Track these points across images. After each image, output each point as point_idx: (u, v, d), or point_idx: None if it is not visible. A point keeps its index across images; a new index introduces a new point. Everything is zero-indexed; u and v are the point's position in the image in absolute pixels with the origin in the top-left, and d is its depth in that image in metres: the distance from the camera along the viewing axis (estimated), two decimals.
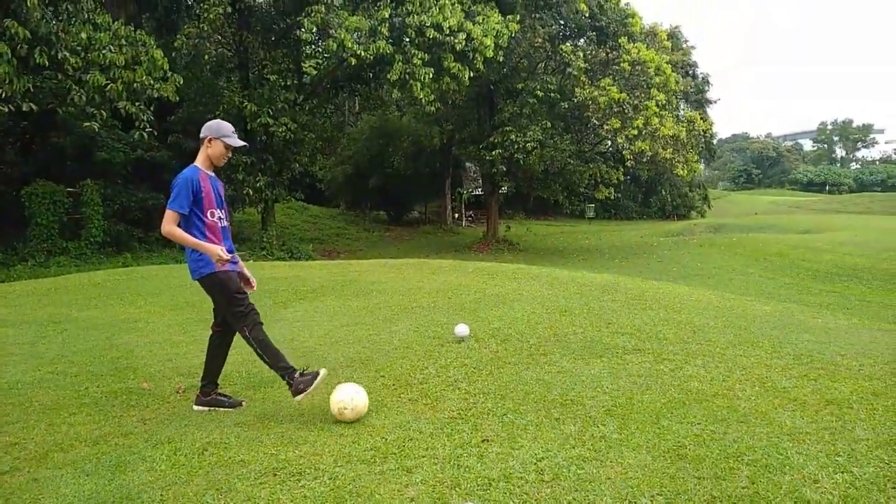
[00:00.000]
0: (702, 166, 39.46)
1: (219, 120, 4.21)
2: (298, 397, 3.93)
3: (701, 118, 29.07)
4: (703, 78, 49.16)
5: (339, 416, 3.71)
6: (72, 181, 19.09)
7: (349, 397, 3.73)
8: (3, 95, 12.37)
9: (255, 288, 4.26)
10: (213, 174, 4.15)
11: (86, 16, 13.50)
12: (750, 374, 4.37)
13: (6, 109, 12.98)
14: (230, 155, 4.18)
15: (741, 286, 15.91)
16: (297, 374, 3.95)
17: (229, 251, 4.04)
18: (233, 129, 4.14)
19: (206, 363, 4.21)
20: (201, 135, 4.08)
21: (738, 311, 6.52)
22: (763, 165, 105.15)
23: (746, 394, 3.99)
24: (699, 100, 48.30)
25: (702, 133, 28.64)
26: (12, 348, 5.87)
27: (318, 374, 3.95)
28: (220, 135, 4.05)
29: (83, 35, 13.17)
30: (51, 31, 12.67)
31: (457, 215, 42.17)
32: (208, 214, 4.00)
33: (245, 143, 4.20)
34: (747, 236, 26.70)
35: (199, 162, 4.09)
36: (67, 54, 12.95)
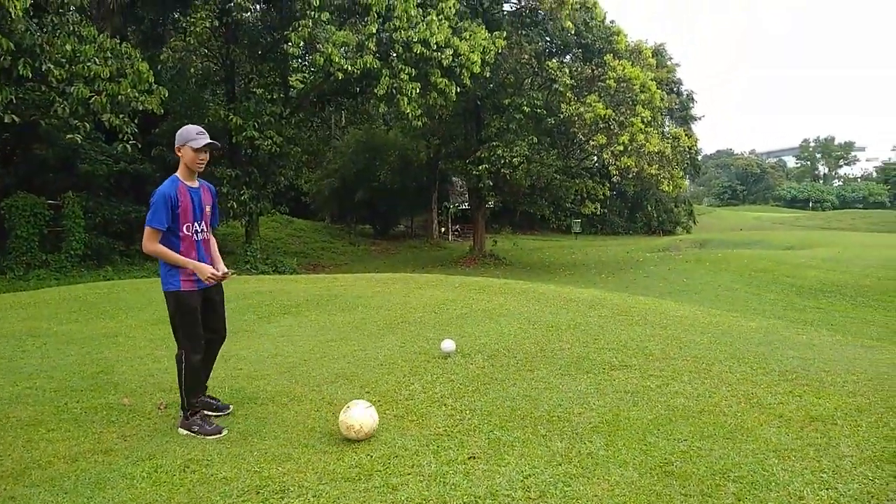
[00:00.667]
0: (687, 182, 39.87)
1: (185, 126, 4.07)
2: (181, 430, 3.90)
3: (686, 134, 29.39)
4: (687, 95, 49.81)
5: (347, 433, 3.64)
6: (53, 193, 18.90)
7: (358, 420, 3.63)
8: None
9: (224, 273, 4.10)
10: (196, 184, 4.07)
11: (71, 28, 13.46)
12: (736, 391, 4.37)
13: None
14: (204, 156, 4.03)
15: (727, 302, 16.01)
16: (197, 417, 3.92)
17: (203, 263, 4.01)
18: (199, 129, 4.00)
19: None
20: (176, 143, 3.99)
21: (724, 328, 6.55)
22: (747, 182, 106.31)
23: (733, 410, 4.00)
24: (684, 116, 48.88)
25: (687, 149, 28.92)
26: None
27: (218, 431, 3.86)
28: (185, 141, 3.95)
29: (68, 47, 13.12)
30: (35, 42, 12.61)
31: (443, 229, 42.20)
32: (184, 229, 3.93)
33: (214, 142, 4.04)
34: (733, 252, 26.93)
35: (179, 172, 4.02)
36: (52, 66, 12.89)
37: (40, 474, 3.32)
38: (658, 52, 38.25)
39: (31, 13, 12.67)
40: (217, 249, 4.30)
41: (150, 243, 3.85)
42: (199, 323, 4.01)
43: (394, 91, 19.74)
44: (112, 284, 11.86)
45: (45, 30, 13.14)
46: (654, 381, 4.63)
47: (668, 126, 37.84)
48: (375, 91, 19.86)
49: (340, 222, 40.75)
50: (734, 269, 21.70)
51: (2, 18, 11.81)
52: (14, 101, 13.08)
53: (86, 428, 4.00)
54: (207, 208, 4.13)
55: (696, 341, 5.89)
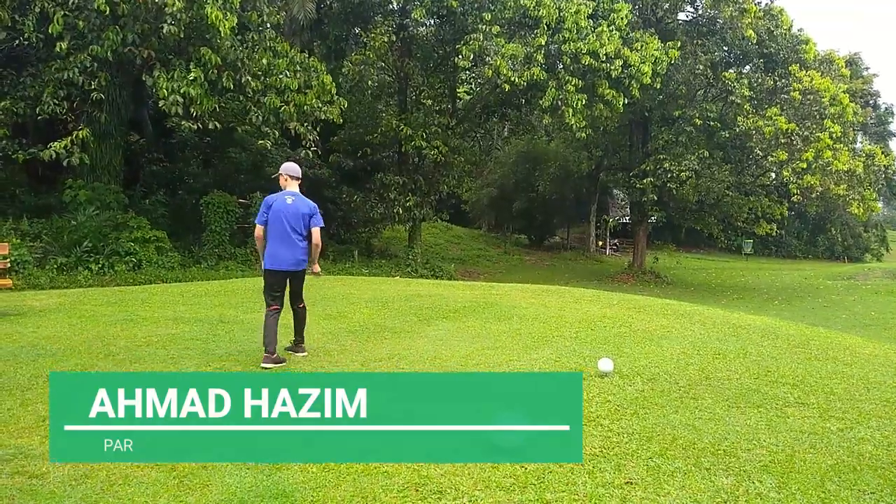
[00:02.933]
0: (880, 205, 35.88)
1: (289, 163, 6.11)
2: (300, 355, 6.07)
3: (882, 152, 26.48)
4: (886, 108, 44.92)
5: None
6: (243, 193, 20.86)
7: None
8: (194, 114, 13.86)
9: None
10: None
11: (267, 43, 14.86)
12: None
13: (195, 126, 14.53)
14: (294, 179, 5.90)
15: None
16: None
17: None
18: (295, 167, 6.06)
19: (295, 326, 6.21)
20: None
21: None
22: None
23: None
24: (880, 132, 44.14)
25: (882, 168, 26.06)
26: (189, 343, 6.49)
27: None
28: (283, 172, 5.94)
29: (264, 61, 14.52)
30: (238, 57, 14.06)
31: (601, 243, 41.24)
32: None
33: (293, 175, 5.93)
34: None
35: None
36: (250, 78, 14.32)
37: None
38: (852, 62, 34.90)
39: (236, 31, 14.16)
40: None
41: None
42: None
43: (559, 102, 19.70)
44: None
45: (246, 46, 14.62)
46: (836, 424, 4.23)
47: (862, 142, 34.31)
48: (541, 102, 19.95)
49: (497, 231, 41.20)
50: None
51: (213, 36, 13.32)
52: (217, 110, 14.67)
53: None
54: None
55: (888, 384, 5.30)
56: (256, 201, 20.30)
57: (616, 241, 43.91)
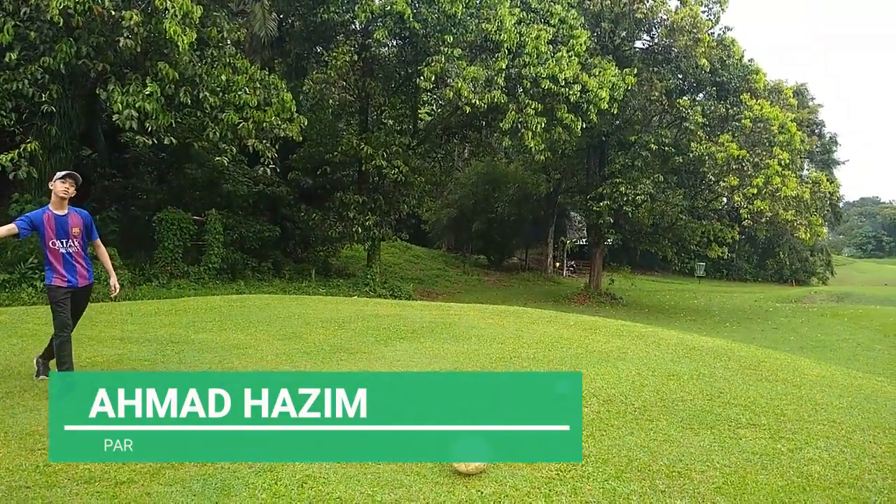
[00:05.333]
0: (826, 230, 37.08)
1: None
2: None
3: (827, 179, 27.53)
4: (830, 137, 46.75)
5: (458, 466, 3.64)
6: (198, 210, 20.49)
7: None
8: (150, 129, 13.58)
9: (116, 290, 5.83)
10: (63, 211, 5.41)
11: (227, 60, 14.69)
12: (881, 464, 3.98)
13: (150, 142, 14.23)
14: (68, 186, 5.36)
15: (867, 363, 14.65)
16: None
17: (70, 270, 5.43)
18: (65, 172, 5.45)
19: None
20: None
21: (866, 392, 5.99)
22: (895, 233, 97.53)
23: (878, 486, 3.64)
24: (825, 160, 45.90)
25: (827, 195, 27.06)
26: (135, 363, 6.28)
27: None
28: (52, 179, 5.38)
29: (223, 77, 14.33)
30: (196, 72, 13.85)
31: (558, 264, 41.67)
32: (49, 243, 5.33)
33: (68, 172, 5.45)
34: (875, 308, 24.71)
35: (50, 203, 5.41)
36: (207, 94, 14.11)
37: (173, 474, 3.55)
38: (799, 92, 36.28)
39: (195, 46, 13.97)
40: (108, 258, 5.92)
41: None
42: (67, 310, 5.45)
43: (519, 125, 19.92)
44: (244, 298, 12.64)
45: (205, 61, 14.43)
46: (786, 445, 4.30)
47: (808, 170, 35.61)
48: (501, 125, 20.15)
49: (456, 251, 41.32)
50: (877, 326, 19.89)
51: (171, 51, 13.11)
52: (173, 125, 14.40)
53: None
54: (76, 230, 5.47)
55: (834, 405, 5.42)
56: (212, 218, 19.97)
57: (573, 262, 44.43)
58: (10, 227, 5.26)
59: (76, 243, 5.50)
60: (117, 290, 5.86)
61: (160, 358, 6.62)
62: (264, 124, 15.27)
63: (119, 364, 6.23)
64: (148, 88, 13.03)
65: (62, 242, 5.41)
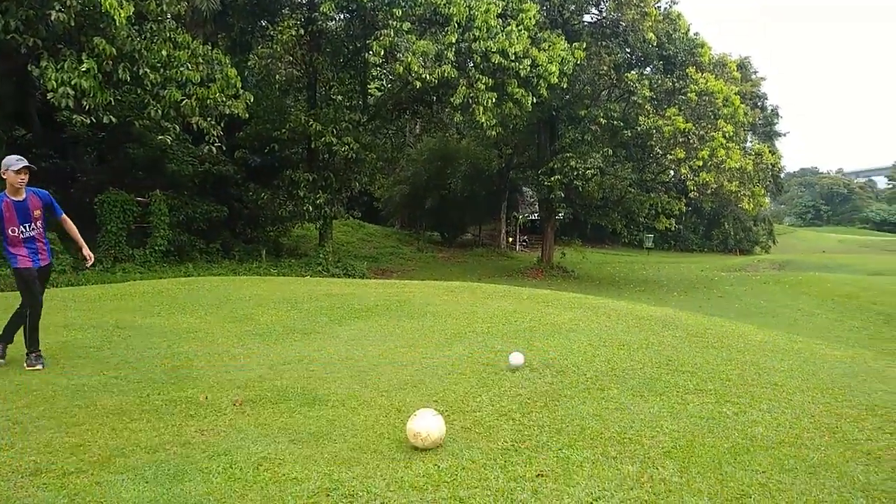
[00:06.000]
0: (768, 200, 38.31)
1: (6, 157, 5.36)
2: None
3: (769, 151, 28.32)
4: (772, 110, 48.03)
5: (414, 440, 3.66)
6: (142, 191, 19.86)
7: (426, 428, 3.65)
8: (87, 108, 13.02)
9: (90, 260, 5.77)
10: (22, 196, 5.35)
11: (167, 34, 14.15)
12: (819, 423, 4.16)
13: (88, 121, 13.66)
14: (24, 176, 5.29)
15: (807, 327, 15.30)
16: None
17: (33, 252, 5.46)
18: (18, 158, 5.32)
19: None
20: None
21: (805, 355, 6.25)
22: (833, 202, 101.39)
23: (815, 443, 3.80)
24: (767, 132, 47.18)
25: (769, 166, 27.85)
26: (80, 351, 6.09)
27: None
28: (7, 167, 5.24)
29: (164, 52, 13.80)
30: (135, 48, 13.30)
31: (511, 239, 42.01)
32: (9, 231, 5.33)
33: (31, 165, 5.35)
34: (814, 275, 25.72)
35: (6, 190, 5.32)
36: (148, 70, 13.58)
37: (124, 462, 3.47)
38: (743, 66, 37.10)
39: (133, 20, 13.40)
40: (76, 231, 5.82)
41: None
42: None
43: (470, 101, 19.85)
44: (192, 280, 12.36)
45: (143, 36, 13.86)
46: (731, 408, 4.46)
47: (751, 142, 36.58)
48: (452, 100, 20.03)
49: (410, 228, 41.21)
50: (815, 292, 20.74)
51: (107, 26, 12.54)
52: (112, 103, 13.84)
53: (166, 420, 4.17)
54: (37, 212, 5.44)
55: (776, 368, 5.64)
56: (157, 199, 19.39)
57: (525, 237, 44.83)
58: None
59: (38, 225, 5.50)
60: (92, 259, 5.83)
61: (106, 345, 6.44)
62: (208, 101, 14.80)
63: (63, 352, 6.04)
64: (84, 65, 12.45)
65: (25, 227, 5.39)
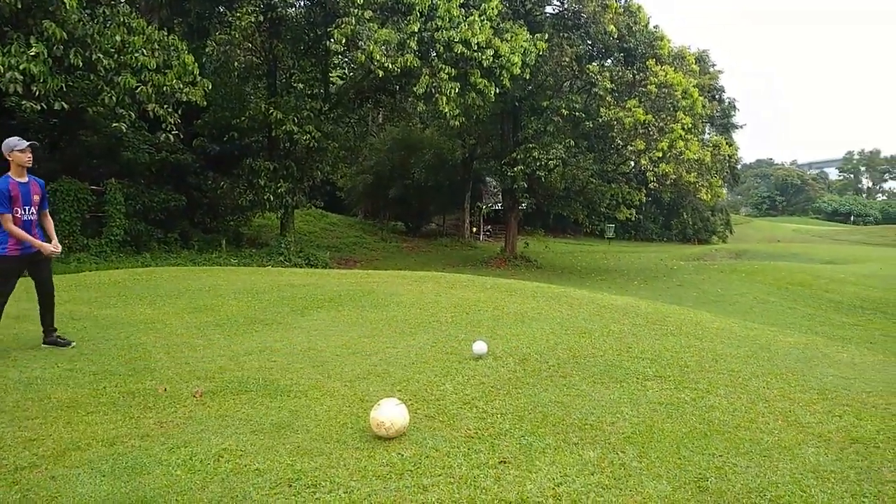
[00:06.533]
0: (725, 191, 39.15)
1: (8, 139, 5.47)
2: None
3: (726, 143, 28.87)
4: (729, 102, 48.89)
5: (377, 430, 3.65)
6: (96, 179, 19.32)
7: (389, 417, 3.64)
8: (37, 94, 12.59)
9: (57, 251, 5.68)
10: (25, 179, 5.51)
11: (121, 19, 13.74)
12: (773, 407, 4.28)
13: (38, 107, 13.21)
14: (30, 156, 5.48)
15: (762, 315, 15.71)
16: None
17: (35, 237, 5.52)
18: (18, 138, 5.47)
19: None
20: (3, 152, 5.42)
21: (761, 342, 6.42)
22: (787, 192, 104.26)
23: (770, 427, 3.92)
24: (725, 124, 48.02)
25: (726, 158, 28.41)
26: (33, 343, 5.91)
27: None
28: (12, 148, 5.41)
29: (117, 38, 13.40)
30: (87, 32, 12.89)
31: (475, 229, 42.15)
32: (16, 213, 5.40)
33: (33, 142, 5.53)
34: (769, 264, 26.41)
35: (11, 172, 5.45)
36: (101, 56, 13.17)
37: (79, 456, 3.39)
38: (701, 59, 37.59)
39: (84, 4, 12.97)
40: (52, 226, 5.84)
41: (7, 224, 5.32)
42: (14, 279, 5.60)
43: (433, 90, 19.77)
44: (150, 271, 12.09)
45: (96, 20, 13.44)
46: (689, 394, 4.56)
47: (709, 134, 37.26)
48: (414, 89, 19.92)
49: (373, 218, 41.01)
50: (770, 281, 21.30)
51: (57, 9, 12.12)
52: (64, 89, 13.39)
53: (123, 412, 4.09)
54: (36, 197, 5.57)
55: (733, 354, 5.79)
56: (112, 188, 18.90)
57: (489, 227, 45.04)
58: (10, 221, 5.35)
59: (35, 211, 5.60)
60: (59, 249, 5.77)
61: (60, 336, 6.25)
62: (165, 88, 14.43)
63: (16, 344, 5.87)
64: (33, 49, 12.00)
65: (25, 210, 5.47)
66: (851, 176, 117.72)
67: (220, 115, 21.84)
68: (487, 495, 2.96)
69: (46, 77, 12.35)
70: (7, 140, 5.47)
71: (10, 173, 5.45)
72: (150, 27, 14.58)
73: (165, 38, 14.80)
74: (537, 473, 3.20)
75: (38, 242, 5.49)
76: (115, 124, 15.26)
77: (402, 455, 3.41)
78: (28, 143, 5.48)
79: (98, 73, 13.76)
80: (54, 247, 5.68)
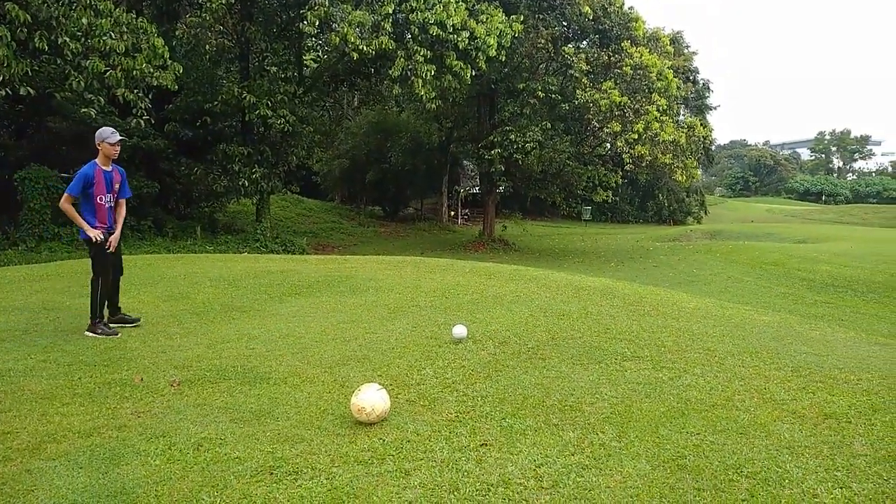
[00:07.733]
0: (700, 172, 39.56)
1: (103, 127, 5.90)
2: (87, 332, 5.72)
3: (701, 124, 29.12)
4: (703, 84, 49.31)
5: (358, 415, 3.64)
6: (66, 166, 18.93)
7: (370, 403, 3.63)
8: (1, 79, 12.26)
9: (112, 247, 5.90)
10: (109, 167, 5.89)
11: (87, 1, 13.37)
12: (749, 385, 4.35)
13: (3, 93, 12.87)
14: (118, 149, 5.89)
15: (736, 294, 15.93)
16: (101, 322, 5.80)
17: (109, 224, 5.91)
18: (112, 130, 5.85)
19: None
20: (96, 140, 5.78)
21: (736, 321, 6.51)
22: (760, 173, 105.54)
23: (746, 405, 3.98)
24: (699, 105, 48.48)
25: (701, 139, 28.67)
26: (5, 335, 5.80)
27: (114, 334, 5.72)
28: (101, 139, 5.77)
29: (84, 20, 13.04)
30: (52, 15, 12.55)
31: (452, 213, 42.13)
32: (98, 199, 5.78)
33: (123, 137, 5.92)
34: (743, 244, 26.75)
35: (98, 159, 5.83)
36: (67, 39, 12.83)
37: (55, 448, 3.34)
38: (676, 40, 37.88)
39: None
40: (122, 216, 6.12)
41: (65, 203, 5.72)
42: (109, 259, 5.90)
43: (408, 73, 19.63)
44: (124, 259, 11.88)
45: (61, 3, 13.06)
46: (667, 374, 4.62)
47: (684, 115, 37.56)
48: (390, 72, 19.77)
49: (350, 203, 40.78)
50: (744, 260, 21.57)
51: None
52: (30, 74, 13.05)
53: (100, 403, 4.03)
54: (116, 185, 5.95)
55: (709, 334, 5.86)
56: None
57: (467, 211, 45.05)
58: (71, 202, 5.70)
59: (113, 198, 5.97)
60: (113, 246, 5.94)
61: (33, 327, 6.16)
62: (135, 72, 14.10)
63: None
64: None
65: (108, 197, 5.85)
66: (823, 156, 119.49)
67: (192, 99, 21.46)
68: (469, 478, 2.98)
69: (11, 61, 12.02)
70: (101, 129, 5.83)
71: (97, 160, 5.78)
72: (117, 10, 14.21)
73: (134, 20, 14.44)
74: (518, 455, 3.23)
75: (85, 225, 5.68)
76: (83, 110, 14.91)
77: (384, 440, 3.41)
78: (119, 137, 5.83)
79: (65, 57, 13.41)
80: (114, 238, 5.92)
